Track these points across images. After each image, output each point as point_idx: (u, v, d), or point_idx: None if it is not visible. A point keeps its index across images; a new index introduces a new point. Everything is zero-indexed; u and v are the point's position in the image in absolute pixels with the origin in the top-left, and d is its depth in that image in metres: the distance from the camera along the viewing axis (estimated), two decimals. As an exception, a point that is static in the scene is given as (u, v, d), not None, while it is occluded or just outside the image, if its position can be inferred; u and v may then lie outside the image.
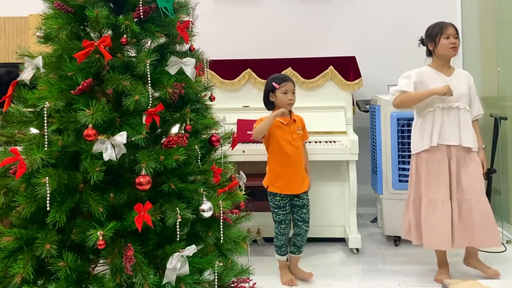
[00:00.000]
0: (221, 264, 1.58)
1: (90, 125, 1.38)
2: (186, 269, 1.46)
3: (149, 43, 1.63)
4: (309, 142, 3.14)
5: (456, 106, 2.52)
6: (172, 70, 1.56)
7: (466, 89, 2.57)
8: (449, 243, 2.48)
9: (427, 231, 2.52)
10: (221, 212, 1.58)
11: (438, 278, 2.62)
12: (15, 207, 1.45)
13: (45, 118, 1.43)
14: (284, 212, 2.64)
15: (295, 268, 2.72)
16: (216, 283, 1.58)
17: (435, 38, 2.56)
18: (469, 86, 2.60)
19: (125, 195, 1.50)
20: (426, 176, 2.55)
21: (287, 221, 2.65)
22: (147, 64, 1.48)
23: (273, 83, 2.59)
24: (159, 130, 1.67)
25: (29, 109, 1.58)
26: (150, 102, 1.47)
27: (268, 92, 2.62)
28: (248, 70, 3.47)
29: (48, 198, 1.36)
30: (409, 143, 3.14)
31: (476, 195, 2.50)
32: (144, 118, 1.49)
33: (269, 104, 2.65)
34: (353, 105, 3.52)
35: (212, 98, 1.84)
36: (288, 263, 2.73)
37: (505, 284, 1.89)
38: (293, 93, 2.62)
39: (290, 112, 2.66)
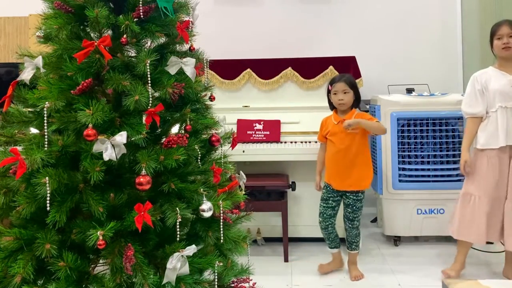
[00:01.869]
0: (221, 264, 1.58)
1: (90, 125, 1.38)
2: (186, 269, 1.46)
3: (149, 43, 1.62)
4: (309, 142, 3.15)
5: None
6: (172, 70, 1.56)
7: None
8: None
9: (473, 226, 2.54)
10: (221, 212, 1.58)
11: (446, 272, 2.62)
12: (15, 207, 1.45)
13: (45, 118, 1.43)
14: (324, 205, 2.75)
15: (349, 264, 2.81)
16: (216, 283, 1.58)
17: (491, 39, 2.56)
18: None
19: (125, 195, 1.49)
20: (487, 175, 2.53)
21: (325, 215, 2.74)
22: (147, 64, 1.48)
23: (329, 86, 2.73)
24: (159, 130, 1.66)
25: (29, 109, 1.57)
26: (150, 102, 1.47)
27: (327, 95, 2.77)
28: (248, 70, 3.48)
29: (48, 198, 1.36)
30: (409, 143, 3.16)
31: None
32: (144, 118, 1.48)
33: (331, 105, 2.80)
34: (353, 105, 3.53)
35: (212, 98, 1.84)
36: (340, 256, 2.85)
37: (505, 284, 1.89)
38: (345, 93, 2.65)
39: (349, 110, 2.70)
